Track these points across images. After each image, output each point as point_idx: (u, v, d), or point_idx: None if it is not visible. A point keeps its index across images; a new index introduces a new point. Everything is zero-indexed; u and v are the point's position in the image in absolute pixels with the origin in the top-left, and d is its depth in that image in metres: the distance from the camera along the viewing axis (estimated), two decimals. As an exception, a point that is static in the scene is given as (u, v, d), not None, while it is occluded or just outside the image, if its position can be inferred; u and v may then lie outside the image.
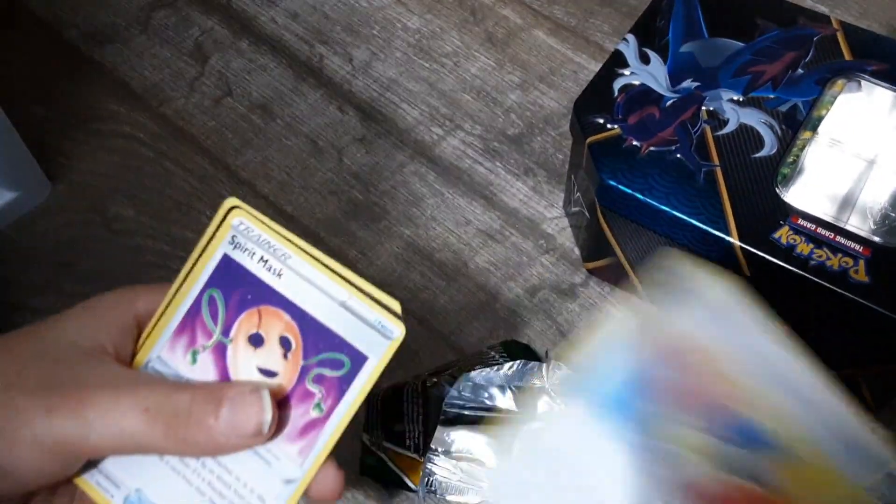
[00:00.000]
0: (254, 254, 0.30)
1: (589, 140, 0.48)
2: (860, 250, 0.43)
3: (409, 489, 0.45)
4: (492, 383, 0.46)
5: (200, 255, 0.31)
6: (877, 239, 0.43)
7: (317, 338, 0.29)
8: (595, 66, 0.63)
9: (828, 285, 0.42)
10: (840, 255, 0.43)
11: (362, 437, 0.47)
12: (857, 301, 0.42)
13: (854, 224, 0.45)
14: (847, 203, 0.46)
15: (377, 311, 0.29)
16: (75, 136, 0.61)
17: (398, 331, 0.29)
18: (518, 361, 0.46)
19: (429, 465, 0.44)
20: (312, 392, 0.29)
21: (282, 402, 0.30)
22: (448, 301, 0.54)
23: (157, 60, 0.65)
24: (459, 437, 0.45)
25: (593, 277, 0.55)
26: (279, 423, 0.29)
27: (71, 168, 0.59)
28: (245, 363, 0.30)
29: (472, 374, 0.46)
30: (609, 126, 0.48)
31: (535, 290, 0.54)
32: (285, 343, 0.30)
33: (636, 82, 0.50)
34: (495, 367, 0.46)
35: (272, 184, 0.59)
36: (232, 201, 0.31)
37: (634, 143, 0.48)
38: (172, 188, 0.58)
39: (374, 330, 0.29)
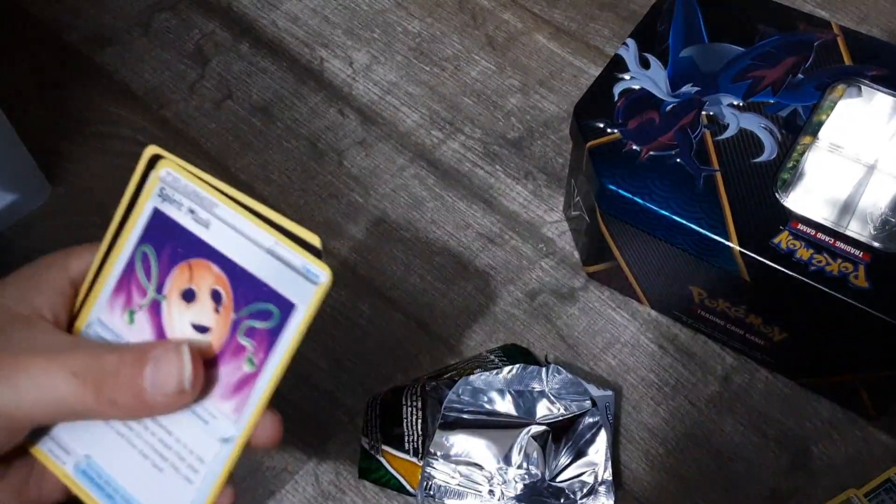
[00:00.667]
0: (182, 205, 0.30)
1: (589, 144, 0.48)
2: (860, 255, 0.43)
3: (408, 493, 0.45)
4: (491, 387, 0.46)
5: (130, 211, 0.30)
6: (877, 244, 0.43)
7: (246, 288, 0.29)
8: (595, 71, 0.64)
9: (827, 290, 0.42)
10: (840, 261, 0.43)
11: (361, 441, 0.47)
12: (856, 306, 0.42)
13: (854, 229, 0.45)
14: (847, 208, 0.46)
15: (302, 255, 0.28)
16: (75, 139, 0.61)
17: (324, 275, 0.28)
18: (517, 365, 0.46)
19: (427, 469, 0.44)
20: (244, 346, 0.29)
21: (215, 359, 0.29)
22: (448, 305, 0.54)
23: (157, 63, 0.65)
24: (458, 441, 0.45)
25: (593, 281, 0.55)
26: (211, 381, 0.29)
27: (71, 171, 0.59)
28: (179, 320, 0.30)
29: (472, 377, 0.46)
30: (609, 130, 0.48)
31: (535, 293, 0.54)
32: (216, 296, 0.29)
33: (636, 87, 0.50)
34: (494, 371, 0.46)
35: (272, 187, 0.59)
36: (153, 149, 0.30)
37: (634, 147, 0.48)
38: (172, 191, 0.58)
39: (300, 276, 0.28)
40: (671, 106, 0.49)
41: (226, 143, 0.61)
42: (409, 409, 0.46)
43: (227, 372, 0.29)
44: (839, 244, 0.43)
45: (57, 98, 0.63)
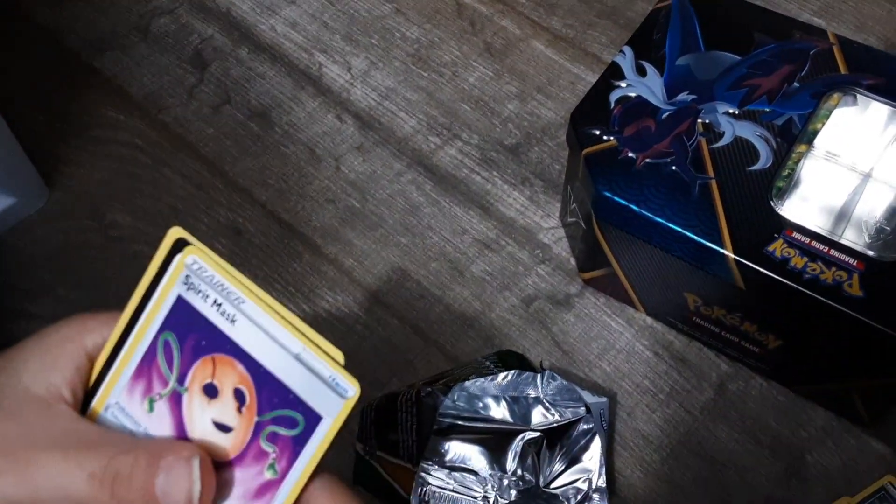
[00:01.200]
0: (207, 296, 0.29)
1: (585, 151, 0.48)
2: (854, 264, 0.43)
3: (403, 499, 0.45)
4: (486, 393, 0.46)
5: (152, 292, 0.30)
6: (871, 253, 0.44)
7: (271, 392, 0.28)
8: (593, 78, 0.64)
9: (821, 299, 0.42)
10: (834, 269, 0.43)
11: (356, 446, 0.47)
12: (850, 315, 0.42)
13: (849, 238, 0.45)
14: (842, 217, 0.46)
15: (332, 366, 0.28)
16: (74, 143, 0.61)
17: (353, 389, 0.27)
18: (513, 371, 0.46)
19: (422, 475, 0.44)
20: (266, 451, 0.28)
21: (235, 460, 0.29)
22: (444, 310, 0.54)
23: (156, 68, 0.65)
24: (453, 448, 0.45)
25: (589, 288, 0.55)
26: (231, 483, 0.29)
27: (69, 174, 0.59)
28: (200, 415, 0.29)
29: (467, 383, 0.46)
30: (605, 138, 0.49)
31: (531, 299, 0.54)
32: (239, 396, 0.29)
33: (632, 94, 0.50)
34: (490, 377, 0.46)
35: (269, 191, 0.59)
36: (178, 232, 0.29)
37: (630, 154, 0.48)
38: (170, 195, 0.58)
39: (328, 387, 0.28)
40: (667, 114, 0.49)
41: (223, 148, 0.61)
42: (404, 415, 0.46)
43: (249, 476, 0.29)
44: (833, 252, 0.43)
45: (56, 102, 0.63)
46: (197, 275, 0.29)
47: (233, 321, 0.29)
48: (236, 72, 0.65)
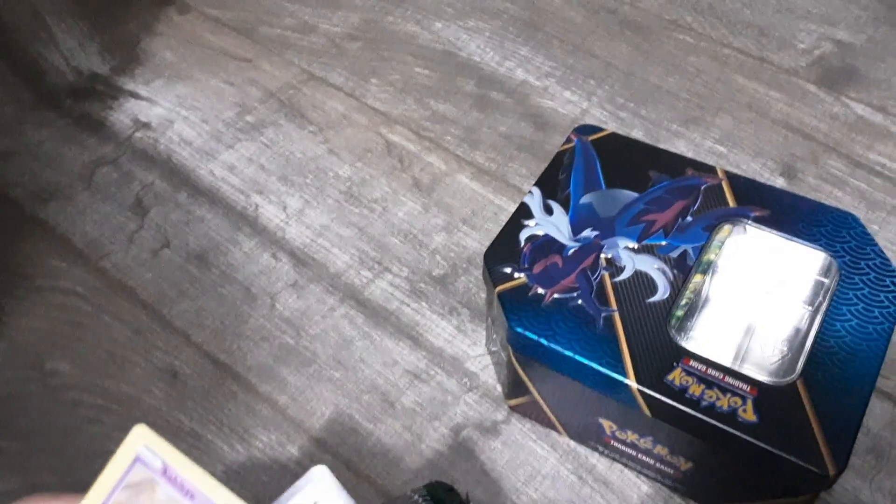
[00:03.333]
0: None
1: (498, 289, 0.51)
2: (747, 390, 0.46)
3: None
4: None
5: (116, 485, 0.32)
6: (764, 379, 0.47)
7: None
8: (513, 208, 0.68)
9: (718, 424, 0.45)
10: (729, 395, 0.46)
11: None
12: (745, 439, 0.44)
13: (746, 364, 0.48)
14: (740, 342, 0.49)
15: None
16: (15, 293, 0.63)
17: None
18: (437, 506, 0.48)
19: None
20: None
21: None
22: (375, 443, 0.56)
23: (98, 216, 0.68)
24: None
25: (515, 414, 0.57)
26: None
27: (11, 325, 0.61)
28: None
29: (392, 521, 0.47)
30: (516, 275, 0.52)
31: (460, 428, 0.56)
32: None
33: (540, 233, 0.54)
34: (415, 513, 0.48)
35: (206, 332, 0.61)
36: (141, 432, 0.32)
37: (539, 290, 0.51)
38: (108, 341, 0.60)
39: None
40: (573, 250, 0.53)
41: (162, 291, 0.63)
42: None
43: None
44: (728, 379, 0.46)
45: (0, 253, 0.66)
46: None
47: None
48: (176, 216, 0.68)
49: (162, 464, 0.32)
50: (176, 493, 0.31)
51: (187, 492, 0.31)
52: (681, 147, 0.70)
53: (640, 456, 0.52)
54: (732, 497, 0.50)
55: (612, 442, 0.53)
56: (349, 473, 0.54)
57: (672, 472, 0.51)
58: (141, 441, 0.32)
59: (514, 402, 0.56)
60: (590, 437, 0.54)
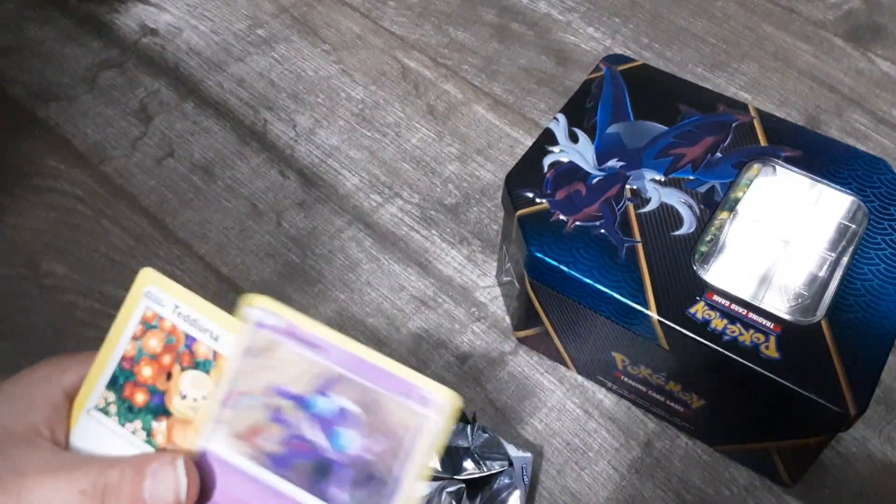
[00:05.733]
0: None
1: (518, 213, 0.50)
2: (771, 327, 0.45)
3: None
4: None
5: (126, 331, 0.32)
6: (788, 316, 0.46)
7: None
8: (530, 142, 0.66)
9: (739, 360, 0.44)
10: (752, 331, 0.45)
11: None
12: (766, 376, 0.43)
13: (768, 301, 0.47)
14: (762, 281, 0.48)
15: None
16: (12, 192, 0.60)
17: None
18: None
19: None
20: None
21: None
22: (379, 366, 0.54)
23: (101, 119, 0.65)
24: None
25: (523, 346, 0.56)
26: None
27: (6, 223, 0.59)
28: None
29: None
30: (538, 200, 0.50)
31: (466, 357, 0.55)
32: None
33: (565, 160, 0.52)
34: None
35: (209, 245, 0.59)
36: (147, 274, 0.32)
37: (561, 217, 0.49)
38: (107, 246, 0.58)
39: None
40: (597, 179, 0.51)
41: (165, 201, 0.61)
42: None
43: None
44: (752, 315, 0.45)
45: (-4, 150, 0.63)
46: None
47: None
48: (181, 125, 0.65)
49: (172, 303, 0.32)
50: (189, 327, 0.31)
51: (204, 329, 0.31)
52: (703, 93, 0.69)
53: (650, 392, 0.51)
54: (742, 437, 0.49)
55: (622, 377, 0.52)
56: (352, 394, 0.53)
57: (682, 409, 0.50)
58: (147, 283, 0.32)
59: (522, 333, 0.55)
60: (599, 371, 0.53)
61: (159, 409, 0.31)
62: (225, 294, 0.57)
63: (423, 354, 0.55)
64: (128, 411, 0.32)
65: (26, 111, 0.65)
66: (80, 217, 0.60)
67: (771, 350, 0.44)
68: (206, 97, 0.67)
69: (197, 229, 0.60)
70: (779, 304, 0.47)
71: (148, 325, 0.32)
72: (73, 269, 0.57)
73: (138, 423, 0.32)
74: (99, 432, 0.32)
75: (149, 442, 0.31)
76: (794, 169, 0.52)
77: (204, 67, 0.69)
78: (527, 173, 0.52)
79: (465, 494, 0.45)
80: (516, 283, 0.53)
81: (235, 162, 0.64)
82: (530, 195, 0.51)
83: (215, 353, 0.31)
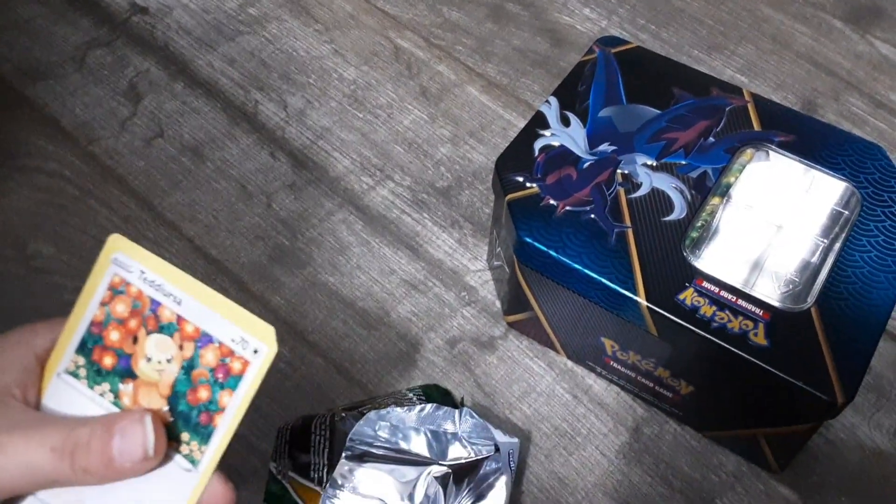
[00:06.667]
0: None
1: (508, 197, 0.49)
2: (760, 314, 0.45)
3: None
4: (405, 424, 0.46)
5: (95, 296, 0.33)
6: (777, 304, 0.45)
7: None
8: (524, 124, 0.65)
9: (728, 346, 0.44)
10: (741, 318, 0.44)
11: (269, 465, 0.47)
12: (755, 363, 0.43)
13: (759, 288, 0.46)
14: (753, 267, 0.48)
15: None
16: None
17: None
18: (431, 405, 0.47)
19: (327, 501, 0.44)
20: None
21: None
22: (368, 350, 0.54)
23: (89, 99, 0.65)
24: (363, 475, 0.45)
25: (512, 331, 0.56)
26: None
27: (-7, 203, 0.59)
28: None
29: (382, 411, 0.46)
30: (528, 185, 0.50)
31: (455, 341, 0.55)
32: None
33: (556, 143, 0.51)
34: (407, 409, 0.46)
35: (198, 226, 0.59)
36: (116, 241, 0.33)
37: (551, 202, 0.49)
38: (95, 227, 0.58)
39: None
40: (588, 163, 0.50)
41: (153, 182, 0.61)
42: (318, 437, 0.46)
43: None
44: (741, 302, 0.45)
45: (-16, 130, 0.62)
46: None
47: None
48: (171, 106, 0.65)
49: (138, 269, 0.33)
50: (158, 295, 0.32)
51: (168, 293, 0.32)
52: (699, 75, 0.68)
53: (639, 378, 0.51)
54: (730, 424, 0.49)
55: (611, 363, 0.51)
56: (340, 378, 0.53)
57: (671, 395, 0.50)
58: (115, 249, 0.33)
59: (512, 318, 0.55)
60: (588, 356, 0.53)
61: (126, 371, 0.32)
62: (214, 276, 0.56)
63: (412, 338, 0.55)
64: (96, 374, 0.33)
65: (14, 90, 0.65)
66: (68, 198, 0.59)
67: (759, 337, 0.44)
68: (196, 77, 0.67)
69: (186, 211, 0.59)
70: (770, 290, 0.46)
71: (115, 291, 0.33)
72: (60, 251, 0.57)
73: (106, 386, 0.33)
74: (69, 395, 0.33)
75: (116, 403, 0.33)
76: (788, 154, 0.51)
77: (194, 47, 0.69)
78: (517, 157, 0.51)
79: (451, 479, 0.45)
80: (506, 268, 0.53)
81: (225, 143, 0.63)
82: (520, 179, 0.50)
83: (179, 317, 0.32)
